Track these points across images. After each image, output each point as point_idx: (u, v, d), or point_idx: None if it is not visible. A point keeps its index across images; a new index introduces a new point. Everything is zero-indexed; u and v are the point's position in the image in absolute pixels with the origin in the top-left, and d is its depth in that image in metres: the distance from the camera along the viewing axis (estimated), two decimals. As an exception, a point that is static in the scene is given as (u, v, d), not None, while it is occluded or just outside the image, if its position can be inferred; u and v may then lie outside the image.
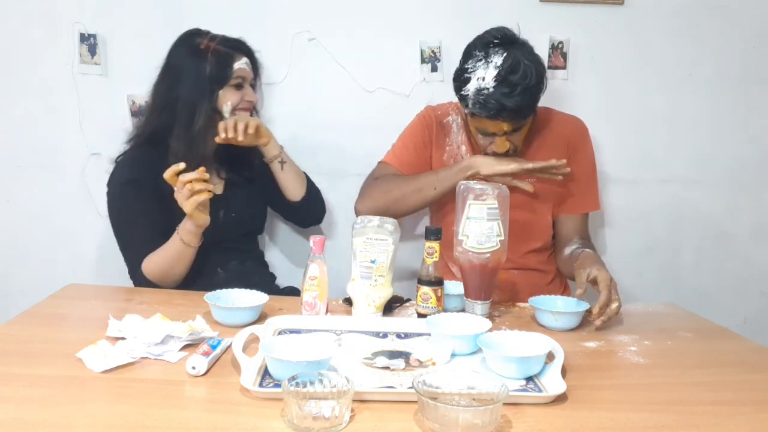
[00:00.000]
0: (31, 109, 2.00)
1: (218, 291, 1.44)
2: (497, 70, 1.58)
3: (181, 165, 1.51)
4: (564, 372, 1.18)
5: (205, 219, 1.56)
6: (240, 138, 1.66)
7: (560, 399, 1.08)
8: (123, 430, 0.96)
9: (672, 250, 2.21)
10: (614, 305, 1.45)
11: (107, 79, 2.00)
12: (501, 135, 1.66)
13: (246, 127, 1.67)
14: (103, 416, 0.99)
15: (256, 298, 1.44)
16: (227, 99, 1.71)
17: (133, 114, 2.00)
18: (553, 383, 1.11)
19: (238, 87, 1.73)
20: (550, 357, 1.19)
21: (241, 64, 1.73)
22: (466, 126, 1.80)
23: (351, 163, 2.07)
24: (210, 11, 1.98)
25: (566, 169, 1.68)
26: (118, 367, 1.14)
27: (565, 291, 1.87)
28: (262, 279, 1.84)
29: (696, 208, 2.19)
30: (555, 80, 2.04)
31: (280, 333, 1.34)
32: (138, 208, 1.66)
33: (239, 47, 1.77)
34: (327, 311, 1.43)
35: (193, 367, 1.13)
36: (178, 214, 1.56)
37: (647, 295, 2.18)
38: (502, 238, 1.44)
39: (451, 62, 2.03)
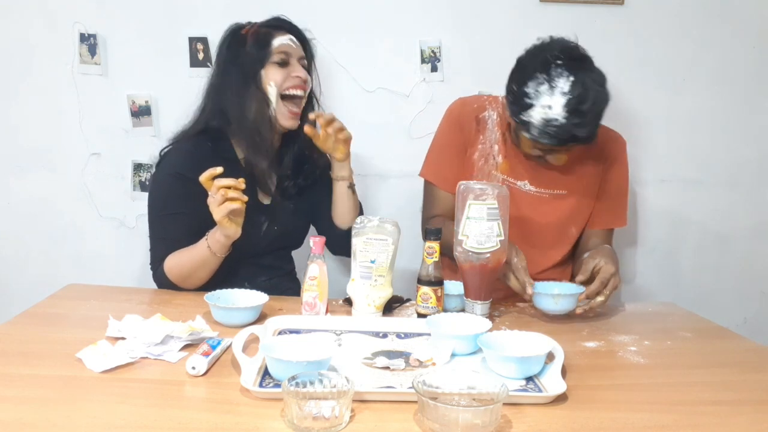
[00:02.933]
0: (31, 109, 2.00)
1: (218, 291, 1.44)
2: (565, 98, 1.48)
3: (219, 169, 1.45)
4: (564, 372, 1.18)
5: (235, 230, 1.48)
6: (329, 130, 1.58)
7: (560, 399, 1.08)
8: (123, 430, 0.96)
9: (672, 250, 2.21)
10: (599, 298, 1.45)
11: (107, 79, 2.00)
12: (562, 152, 1.59)
13: (341, 129, 1.59)
14: (103, 416, 0.99)
15: (256, 298, 1.44)
16: (270, 78, 1.61)
17: (133, 114, 2.01)
18: (553, 383, 1.11)
19: (283, 64, 1.62)
20: (550, 357, 1.19)
21: (283, 39, 1.63)
22: (501, 124, 1.74)
23: (351, 163, 2.07)
24: (210, 11, 1.99)
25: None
26: (117, 367, 1.14)
27: None
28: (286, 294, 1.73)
29: (696, 208, 2.19)
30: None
31: (280, 333, 1.33)
32: (179, 203, 1.59)
33: (281, 25, 1.67)
34: (327, 311, 1.43)
35: (193, 367, 1.13)
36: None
37: (647, 295, 2.18)
38: (502, 238, 1.44)
39: (451, 62, 2.03)
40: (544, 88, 1.50)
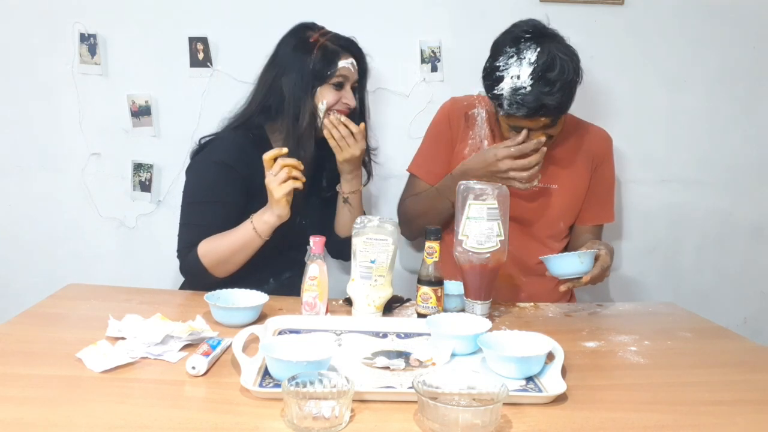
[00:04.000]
0: (31, 109, 2.00)
1: (218, 291, 1.44)
2: (532, 67, 1.53)
3: (284, 150, 1.52)
4: (564, 372, 1.18)
5: (288, 211, 1.53)
6: (335, 134, 1.62)
7: (560, 399, 1.08)
8: (123, 430, 0.96)
9: (672, 250, 2.21)
10: (584, 278, 1.49)
11: (107, 79, 2.00)
12: (538, 129, 1.61)
13: (350, 135, 1.63)
14: (103, 416, 0.99)
15: (256, 298, 1.44)
16: (324, 97, 1.65)
17: (133, 114, 2.00)
18: (553, 383, 1.11)
19: (338, 87, 1.66)
20: (550, 357, 1.20)
21: (345, 63, 1.66)
22: (490, 121, 1.78)
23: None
24: (210, 11, 1.98)
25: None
26: (118, 367, 1.14)
27: (571, 299, 1.85)
28: None
29: (696, 208, 2.19)
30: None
31: (280, 333, 1.34)
32: (221, 191, 1.62)
33: (348, 47, 1.69)
34: (327, 311, 1.43)
35: (193, 367, 1.13)
36: (255, 209, 1.56)
37: (647, 295, 2.18)
38: (502, 238, 1.44)
39: (451, 62, 2.03)
40: (513, 60, 1.56)
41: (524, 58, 1.55)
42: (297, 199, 1.56)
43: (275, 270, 1.71)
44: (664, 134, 2.15)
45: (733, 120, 2.16)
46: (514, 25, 1.63)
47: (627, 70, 2.10)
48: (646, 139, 2.14)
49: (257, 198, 1.56)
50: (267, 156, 1.52)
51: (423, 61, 2.05)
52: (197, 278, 1.61)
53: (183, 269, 1.64)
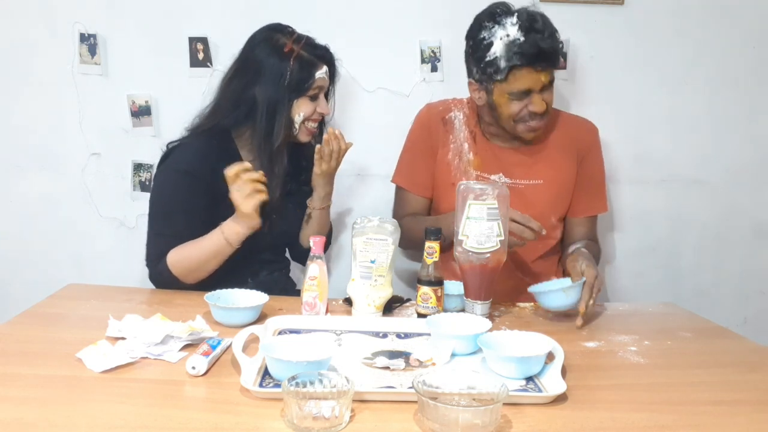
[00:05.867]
0: (31, 109, 2.00)
1: (218, 291, 1.44)
2: (518, 24, 1.61)
3: (247, 164, 1.51)
4: (564, 372, 1.18)
5: (258, 222, 1.53)
6: (331, 147, 1.64)
7: (560, 399, 1.08)
8: (123, 430, 0.96)
9: (672, 249, 2.20)
10: (590, 302, 1.47)
11: (107, 79, 2.00)
12: (538, 91, 1.65)
13: (339, 151, 1.66)
14: (103, 416, 0.99)
15: (255, 298, 1.44)
16: (301, 110, 1.65)
17: (133, 114, 2.01)
18: (553, 383, 1.11)
19: (313, 98, 1.67)
20: (550, 357, 1.20)
21: (321, 73, 1.66)
22: (468, 122, 1.80)
23: (351, 163, 2.06)
24: (210, 11, 1.98)
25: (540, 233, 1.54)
26: (118, 367, 1.14)
27: None
28: (286, 290, 1.79)
29: (696, 208, 2.19)
30: (555, 80, 2.04)
31: (280, 333, 1.34)
32: (186, 201, 1.60)
33: (323, 55, 1.69)
34: (327, 311, 1.43)
35: (193, 367, 1.13)
36: (222, 215, 1.55)
37: (647, 295, 2.18)
38: (502, 238, 1.44)
39: (451, 62, 2.03)
40: (496, 27, 1.63)
41: (506, 22, 1.62)
42: (270, 203, 1.57)
43: (252, 270, 1.72)
44: (664, 134, 2.15)
45: (733, 120, 2.16)
46: (484, 9, 1.69)
47: (627, 70, 2.10)
48: (646, 139, 2.14)
49: (223, 202, 1.55)
50: (230, 172, 1.49)
51: (423, 61, 2.05)
52: (168, 287, 1.61)
53: (153, 278, 1.64)
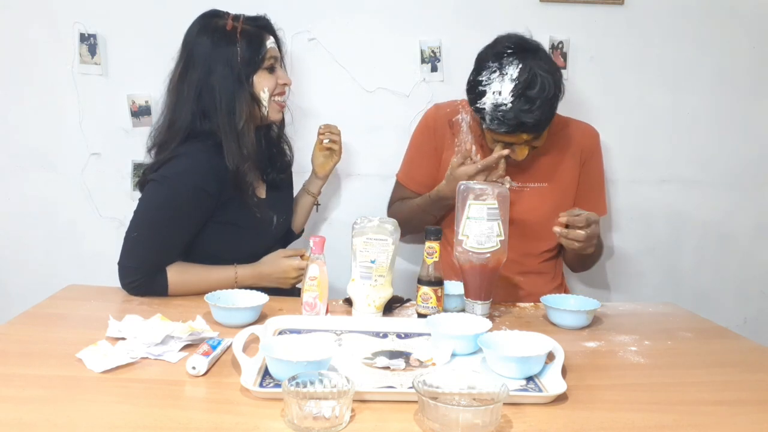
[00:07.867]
0: (31, 109, 2.00)
1: (218, 291, 1.44)
2: (513, 84, 1.56)
3: (306, 254, 1.59)
4: (564, 372, 1.18)
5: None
6: (336, 140, 1.80)
7: (560, 399, 1.08)
8: (123, 430, 0.96)
9: (672, 250, 2.21)
10: (579, 231, 1.51)
11: (107, 79, 2.00)
12: (520, 143, 1.64)
13: (338, 140, 1.81)
14: (103, 416, 0.99)
15: (256, 298, 1.44)
16: (263, 84, 1.61)
17: (133, 114, 2.00)
18: (553, 383, 1.11)
19: (271, 70, 1.62)
20: (550, 357, 1.19)
21: (270, 43, 1.62)
22: (475, 126, 1.79)
23: (351, 163, 2.07)
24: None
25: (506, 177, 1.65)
26: (118, 368, 1.14)
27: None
28: (287, 290, 1.75)
29: (696, 208, 2.19)
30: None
31: (280, 333, 1.34)
32: (192, 216, 1.57)
33: (266, 26, 1.64)
34: (327, 311, 1.43)
35: (193, 367, 1.13)
36: (215, 218, 1.59)
37: (647, 295, 2.18)
38: (503, 238, 1.44)
39: (451, 62, 2.03)
40: (495, 75, 1.59)
41: (506, 74, 1.57)
42: (260, 209, 1.65)
43: None
44: (665, 134, 2.15)
45: (734, 120, 2.16)
46: (496, 40, 1.65)
47: (627, 70, 2.10)
48: (647, 139, 2.14)
49: (221, 208, 1.56)
50: (294, 273, 1.61)
51: (423, 61, 2.05)
52: (149, 296, 1.55)
53: (142, 288, 1.54)
